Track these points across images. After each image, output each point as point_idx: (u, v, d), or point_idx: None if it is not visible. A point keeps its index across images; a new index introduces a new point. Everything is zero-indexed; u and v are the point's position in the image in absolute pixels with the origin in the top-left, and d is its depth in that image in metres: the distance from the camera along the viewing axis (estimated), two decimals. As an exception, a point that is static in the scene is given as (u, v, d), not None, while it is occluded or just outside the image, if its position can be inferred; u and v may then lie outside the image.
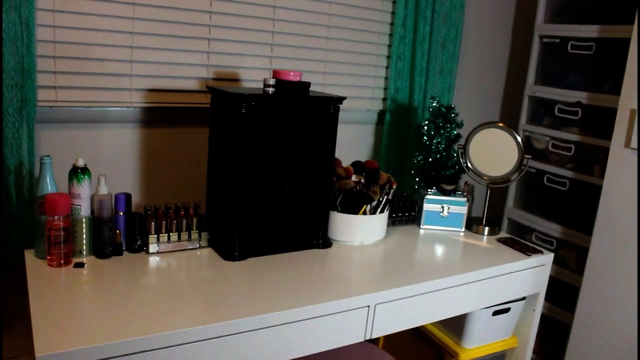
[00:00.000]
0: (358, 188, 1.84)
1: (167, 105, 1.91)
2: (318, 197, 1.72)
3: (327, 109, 1.67)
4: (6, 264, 1.76)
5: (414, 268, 1.67)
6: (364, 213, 1.82)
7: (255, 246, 1.64)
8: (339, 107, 1.69)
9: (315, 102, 1.65)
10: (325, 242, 1.76)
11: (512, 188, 2.69)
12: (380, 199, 1.85)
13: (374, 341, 2.19)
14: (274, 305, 1.35)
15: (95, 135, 1.83)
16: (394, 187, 1.88)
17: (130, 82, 1.84)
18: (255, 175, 1.59)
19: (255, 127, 1.55)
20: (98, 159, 1.83)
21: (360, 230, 1.81)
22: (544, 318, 2.25)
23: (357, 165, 1.92)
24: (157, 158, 1.95)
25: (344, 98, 1.69)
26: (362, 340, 1.51)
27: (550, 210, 2.53)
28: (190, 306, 1.32)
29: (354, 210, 1.81)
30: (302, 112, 1.63)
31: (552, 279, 1.99)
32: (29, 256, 1.52)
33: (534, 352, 2.05)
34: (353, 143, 2.38)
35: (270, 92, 1.61)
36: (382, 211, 1.85)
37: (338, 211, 1.80)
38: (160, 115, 1.91)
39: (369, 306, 1.48)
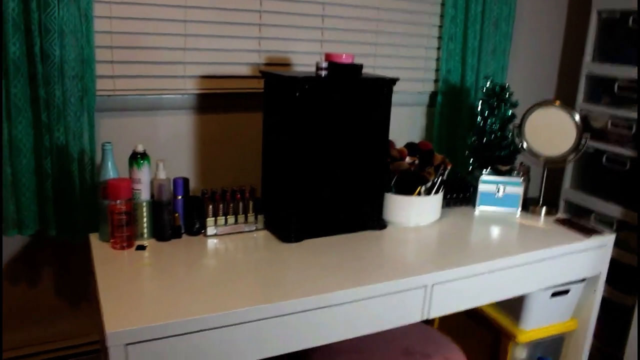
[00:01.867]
0: (412, 169, 1.82)
1: (220, 91, 1.94)
2: (373, 178, 1.72)
3: (381, 90, 1.66)
4: (71, 247, 1.83)
5: (471, 249, 1.66)
6: (419, 194, 1.81)
7: (311, 228, 1.66)
8: (392, 88, 1.68)
9: (368, 84, 1.64)
10: (380, 224, 1.76)
11: (569, 169, 2.61)
12: (435, 180, 1.83)
13: (429, 323, 2.18)
14: (330, 285, 1.37)
15: (152, 122, 1.88)
16: (449, 168, 1.86)
17: (184, 70, 1.87)
18: (310, 157, 1.60)
19: (309, 110, 1.56)
20: (154, 145, 1.88)
21: (415, 212, 1.80)
22: (604, 301, 2.19)
23: (411, 147, 1.91)
24: (212, 143, 1.98)
25: (397, 79, 1.67)
26: (419, 320, 1.51)
27: (609, 191, 2.45)
28: (248, 287, 1.34)
29: (409, 192, 1.80)
30: (355, 95, 1.62)
31: (612, 261, 1.93)
32: (94, 239, 1.57)
33: (593, 336, 2.01)
34: (405, 125, 2.36)
35: (323, 75, 1.61)
36: (436, 192, 1.84)
37: (393, 193, 1.79)
38: (214, 101, 1.94)
39: (426, 286, 1.47)
